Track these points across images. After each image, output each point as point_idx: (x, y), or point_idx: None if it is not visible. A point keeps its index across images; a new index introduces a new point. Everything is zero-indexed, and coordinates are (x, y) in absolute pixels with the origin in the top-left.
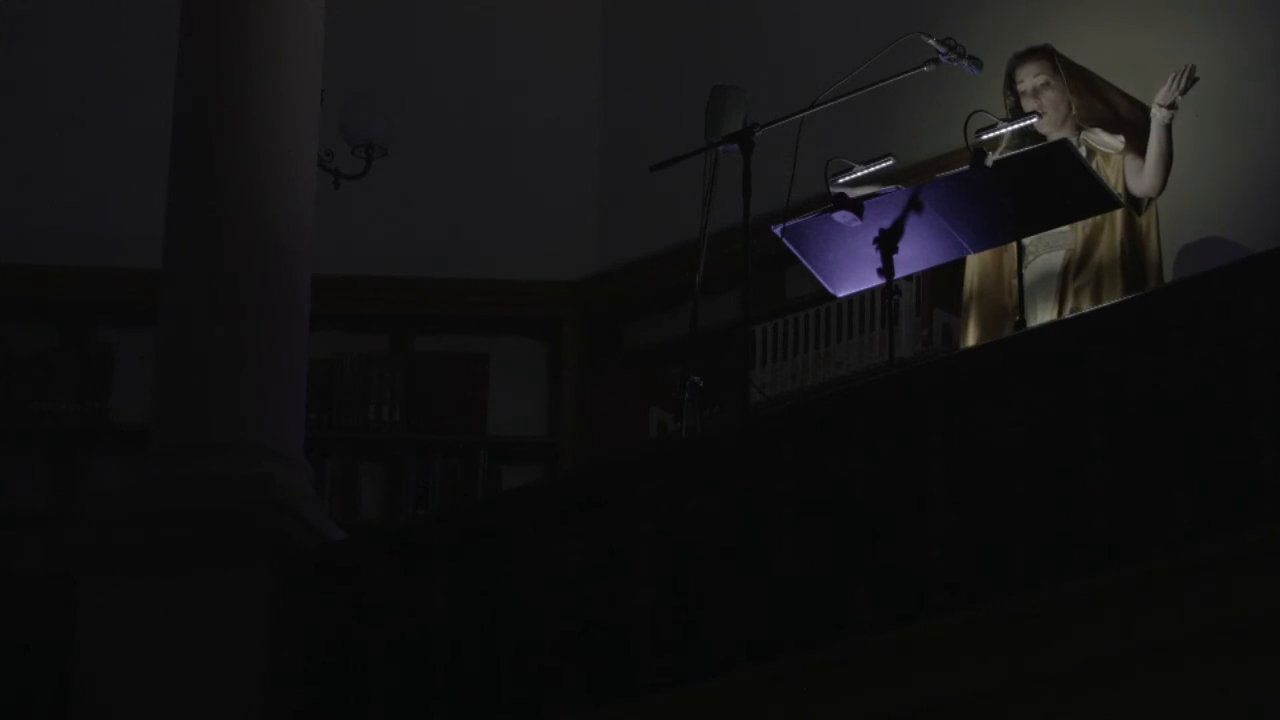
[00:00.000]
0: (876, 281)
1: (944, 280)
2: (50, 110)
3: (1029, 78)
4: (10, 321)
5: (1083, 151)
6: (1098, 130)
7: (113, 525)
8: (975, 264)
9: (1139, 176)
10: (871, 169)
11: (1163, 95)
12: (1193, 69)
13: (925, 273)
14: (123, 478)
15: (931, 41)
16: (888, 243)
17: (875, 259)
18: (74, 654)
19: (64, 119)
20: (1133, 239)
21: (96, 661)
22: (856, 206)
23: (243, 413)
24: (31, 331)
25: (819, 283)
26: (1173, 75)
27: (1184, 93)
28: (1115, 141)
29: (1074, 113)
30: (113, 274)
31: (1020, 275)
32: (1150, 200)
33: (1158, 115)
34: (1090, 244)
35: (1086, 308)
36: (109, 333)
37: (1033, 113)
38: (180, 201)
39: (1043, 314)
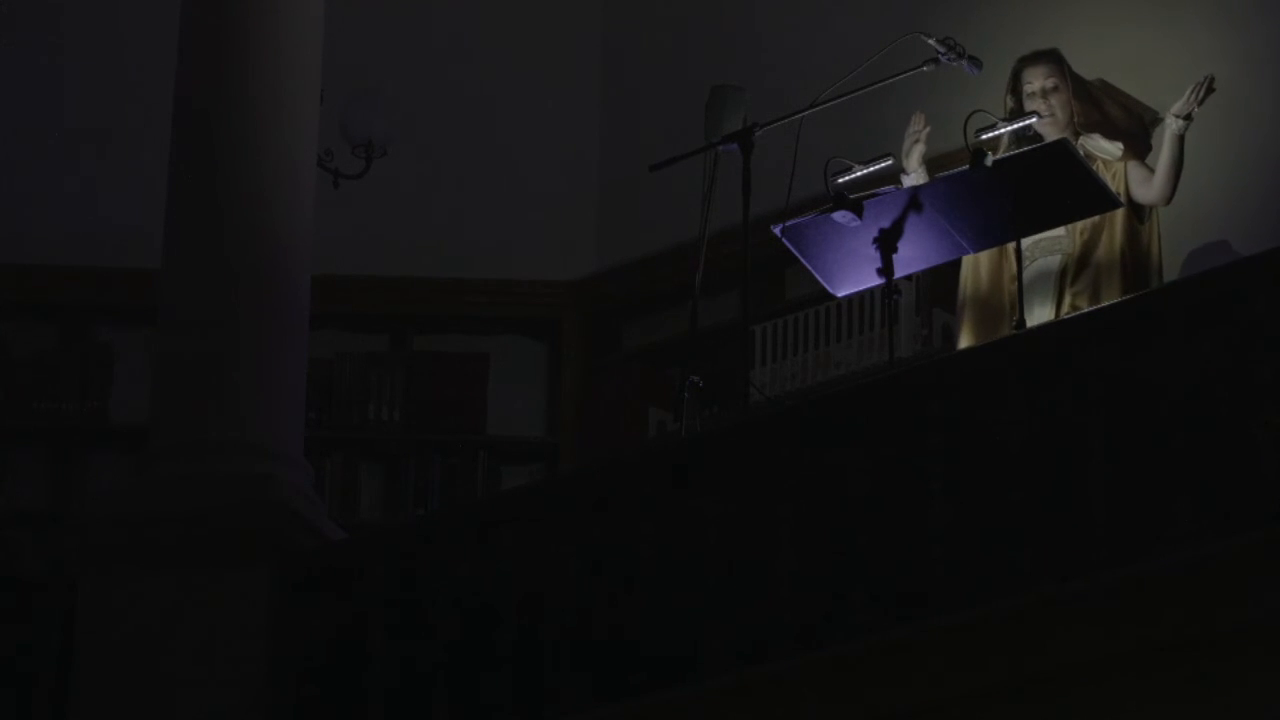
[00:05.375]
0: (876, 281)
1: (943, 280)
2: (50, 110)
3: (1039, 79)
4: (10, 321)
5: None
6: (1096, 136)
7: (113, 525)
8: (970, 268)
9: (1144, 185)
10: (871, 169)
11: (1179, 106)
12: (1211, 80)
13: (925, 273)
14: (123, 478)
15: (931, 41)
16: (887, 243)
17: (875, 259)
18: (74, 654)
19: (64, 119)
20: (1133, 244)
21: (96, 661)
22: (856, 206)
23: (242, 413)
24: (31, 331)
25: (819, 283)
26: (1192, 86)
27: (1201, 103)
28: (1113, 148)
29: (1075, 119)
30: (113, 274)
31: (1020, 277)
32: (1153, 209)
33: (1172, 125)
34: (1089, 247)
35: (1085, 309)
36: (109, 333)
37: (1032, 113)
38: (180, 201)
39: (1040, 314)
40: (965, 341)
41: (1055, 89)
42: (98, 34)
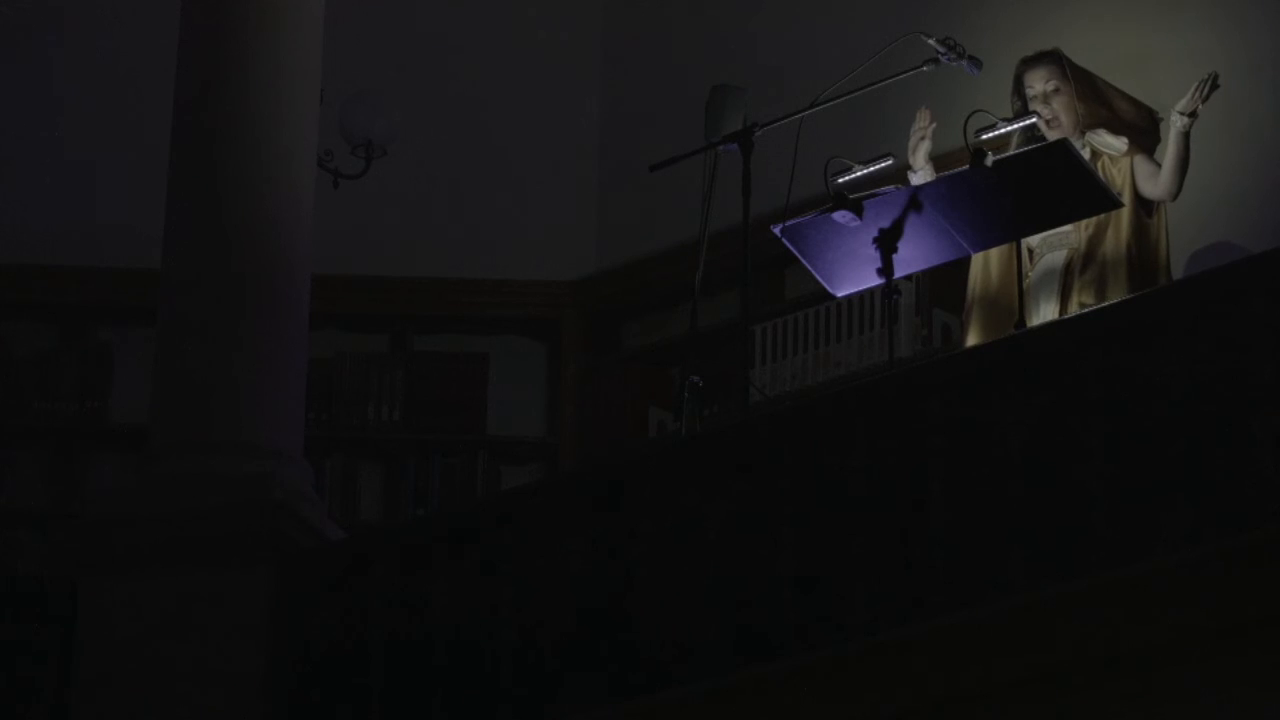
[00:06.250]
0: (876, 281)
1: (944, 280)
2: (51, 110)
3: (1039, 83)
4: (10, 321)
5: (1087, 154)
6: (1101, 131)
7: (113, 525)
8: (979, 268)
9: (1150, 180)
10: (871, 169)
11: (1184, 104)
12: (1215, 77)
13: (925, 273)
14: (123, 478)
15: (931, 41)
16: (887, 242)
17: (875, 259)
18: (74, 654)
19: (64, 118)
20: (1140, 239)
21: (96, 661)
22: (856, 206)
23: (243, 412)
24: (31, 331)
25: (819, 283)
26: (1196, 84)
27: (1206, 100)
28: (1118, 143)
29: (1080, 118)
30: (113, 274)
31: (1020, 277)
32: (1160, 203)
33: (1177, 123)
34: (1095, 242)
35: (1091, 304)
36: (109, 333)
37: (1032, 113)
38: (180, 201)
39: (1045, 311)
40: (972, 341)
41: (1056, 91)
42: (97, 34)
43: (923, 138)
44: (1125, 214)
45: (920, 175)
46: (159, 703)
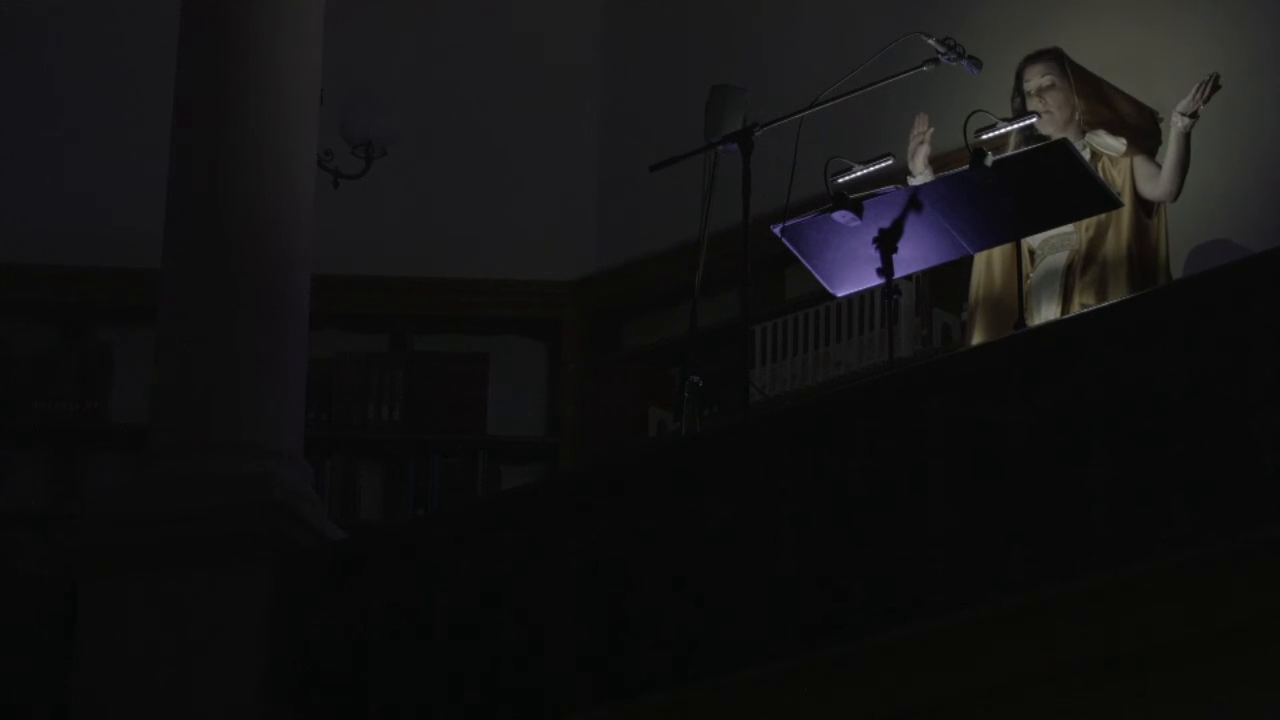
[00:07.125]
0: (876, 281)
1: (944, 280)
2: (51, 110)
3: (1035, 78)
4: (10, 321)
5: (1087, 154)
6: (1101, 132)
7: (113, 525)
8: (982, 269)
9: (1151, 181)
10: (871, 169)
11: (1185, 104)
12: (1217, 78)
13: (925, 273)
14: (123, 478)
15: (931, 41)
16: (887, 242)
17: (875, 259)
18: (74, 654)
19: (64, 118)
20: (1140, 240)
21: (96, 661)
22: (856, 206)
23: (242, 412)
24: (31, 331)
25: (819, 283)
26: (1198, 85)
27: (1207, 101)
28: (1117, 144)
29: (1078, 116)
30: (113, 274)
31: (1021, 277)
32: (1160, 204)
33: (1178, 123)
34: (1095, 243)
35: (1092, 304)
36: (109, 333)
37: (1031, 113)
38: (180, 201)
39: (1047, 312)
40: (976, 343)
41: (1052, 87)
42: (97, 33)
43: (921, 143)
44: (1126, 215)
45: (920, 180)
46: (159, 702)
